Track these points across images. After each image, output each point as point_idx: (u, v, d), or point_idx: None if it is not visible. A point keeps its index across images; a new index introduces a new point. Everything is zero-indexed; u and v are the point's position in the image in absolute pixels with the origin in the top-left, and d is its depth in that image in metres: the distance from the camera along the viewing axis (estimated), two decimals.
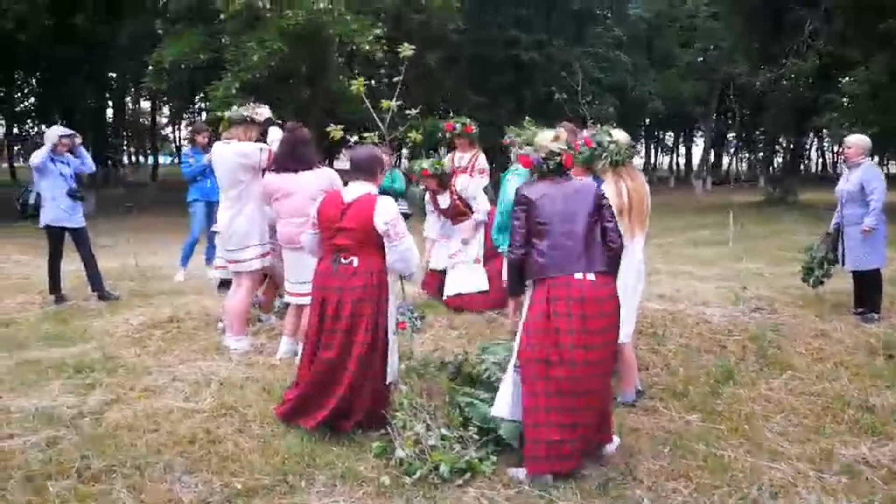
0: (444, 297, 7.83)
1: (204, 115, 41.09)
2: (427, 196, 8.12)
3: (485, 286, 7.68)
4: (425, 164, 7.79)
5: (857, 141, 7.90)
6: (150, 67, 21.70)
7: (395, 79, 5.56)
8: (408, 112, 5.68)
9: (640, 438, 4.88)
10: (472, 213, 7.76)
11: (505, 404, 4.51)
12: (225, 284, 8.36)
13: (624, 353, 5.43)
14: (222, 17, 18.64)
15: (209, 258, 9.46)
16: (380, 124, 5.64)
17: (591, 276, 4.32)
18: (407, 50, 5.55)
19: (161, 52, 21.18)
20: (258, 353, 6.19)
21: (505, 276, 5.64)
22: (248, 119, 6.26)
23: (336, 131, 5.56)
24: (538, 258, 4.41)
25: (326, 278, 4.73)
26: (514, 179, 6.23)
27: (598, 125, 5.68)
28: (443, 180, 7.81)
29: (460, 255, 7.86)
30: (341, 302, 4.65)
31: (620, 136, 5.36)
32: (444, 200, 7.90)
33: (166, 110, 49.11)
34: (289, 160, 5.74)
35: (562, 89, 22.12)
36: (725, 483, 4.34)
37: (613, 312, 4.39)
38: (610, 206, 4.62)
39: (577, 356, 4.20)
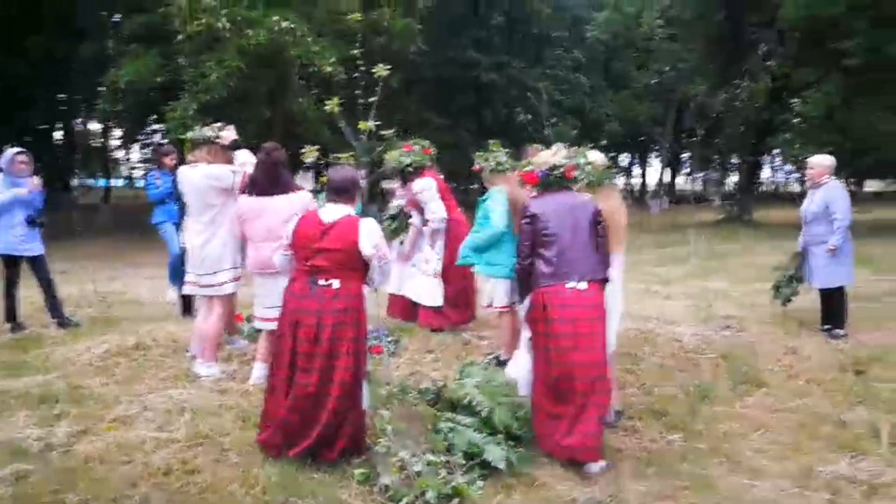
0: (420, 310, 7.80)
1: (158, 137, 40.80)
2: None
3: (439, 302, 7.66)
4: (398, 154, 7.58)
5: (821, 161, 8.04)
6: (105, 88, 21.37)
7: (371, 99, 5.50)
8: (383, 134, 5.64)
9: (625, 459, 4.85)
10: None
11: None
12: (188, 309, 8.23)
13: None
14: (181, 37, 18.40)
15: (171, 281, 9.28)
16: (355, 146, 5.59)
17: (583, 285, 4.78)
18: (382, 70, 5.51)
19: (116, 72, 20.85)
20: (230, 379, 6.04)
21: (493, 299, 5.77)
22: (212, 140, 6.13)
23: (311, 152, 5.49)
24: (544, 268, 4.84)
25: (301, 300, 4.61)
26: (499, 199, 6.30)
27: (568, 146, 5.69)
28: (404, 175, 7.66)
29: (420, 264, 7.78)
30: (320, 325, 4.55)
31: (596, 157, 5.40)
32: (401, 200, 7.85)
33: (118, 132, 48.32)
34: (267, 183, 5.62)
35: (526, 111, 22.28)
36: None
37: (601, 318, 4.86)
38: (604, 222, 5.00)
39: (572, 357, 4.67)
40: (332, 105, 5.62)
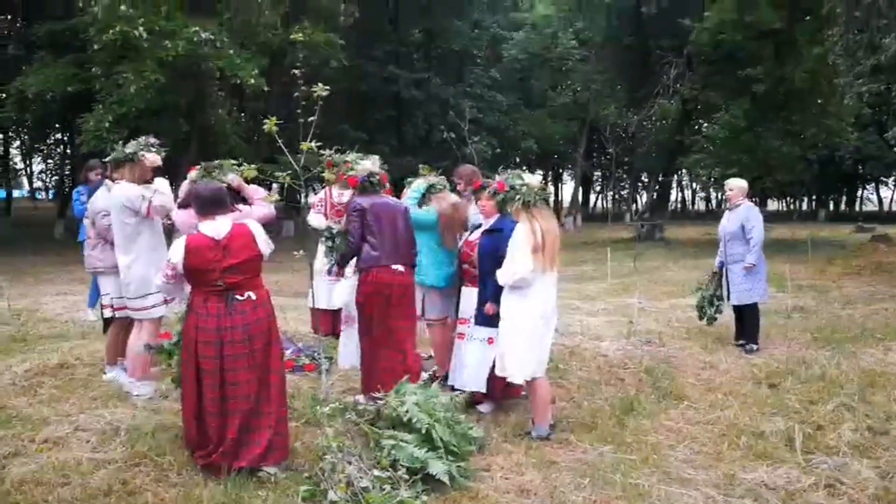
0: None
1: (62, 149, 39.52)
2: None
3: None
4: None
5: (738, 184, 8.49)
6: (9, 97, 20.69)
7: (310, 119, 5.52)
8: (322, 152, 5.70)
9: (561, 471, 5.00)
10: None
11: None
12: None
13: (538, 388, 5.62)
14: (96, 46, 17.92)
15: (92, 301, 9.09)
16: (294, 164, 5.61)
17: (401, 268, 5.99)
18: (321, 90, 5.55)
19: (24, 80, 20.18)
20: (163, 398, 5.96)
21: None
22: (133, 158, 6.03)
23: (249, 171, 5.49)
24: (372, 252, 5.92)
25: (222, 319, 4.62)
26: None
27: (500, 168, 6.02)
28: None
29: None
30: (250, 338, 4.62)
31: (531, 179, 5.66)
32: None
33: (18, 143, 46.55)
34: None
35: (448, 128, 22.47)
36: None
37: (412, 293, 6.24)
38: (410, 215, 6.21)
39: (391, 324, 5.96)
40: (270, 124, 5.61)
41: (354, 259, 6.09)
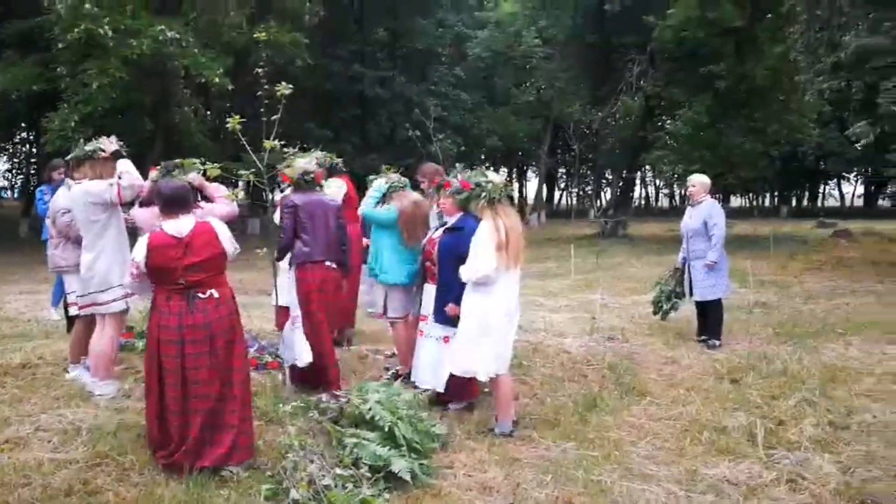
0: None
1: (27, 148, 38.97)
2: None
3: None
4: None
5: (700, 180, 8.55)
6: None
7: (273, 117, 5.50)
8: (286, 150, 5.68)
9: (524, 468, 5.02)
10: None
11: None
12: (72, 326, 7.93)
13: (501, 385, 5.64)
14: (60, 45, 17.66)
15: (55, 300, 8.97)
16: (257, 162, 5.58)
17: (332, 265, 6.25)
18: (284, 89, 5.53)
19: None
20: (126, 397, 5.88)
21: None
22: (93, 155, 5.97)
23: (212, 169, 5.45)
24: (304, 248, 6.12)
25: (184, 317, 4.59)
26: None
27: (456, 165, 6.06)
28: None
29: None
30: (213, 336, 4.61)
31: (495, 177, 5.69)
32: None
33: None
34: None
35: (413, 126, 22.45)
36: None
37: (341, 287, 6.57)
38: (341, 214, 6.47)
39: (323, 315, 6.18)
40: (234, 122, 5.58)
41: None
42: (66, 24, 17.25)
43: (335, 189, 7.39)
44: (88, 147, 5.95)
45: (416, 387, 6.05)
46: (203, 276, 4.63)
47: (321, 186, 6.46)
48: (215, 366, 4.60)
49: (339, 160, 7.75)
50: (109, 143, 5.99)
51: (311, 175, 6.25)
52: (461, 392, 6.11)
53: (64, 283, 7.09)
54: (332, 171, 7.61)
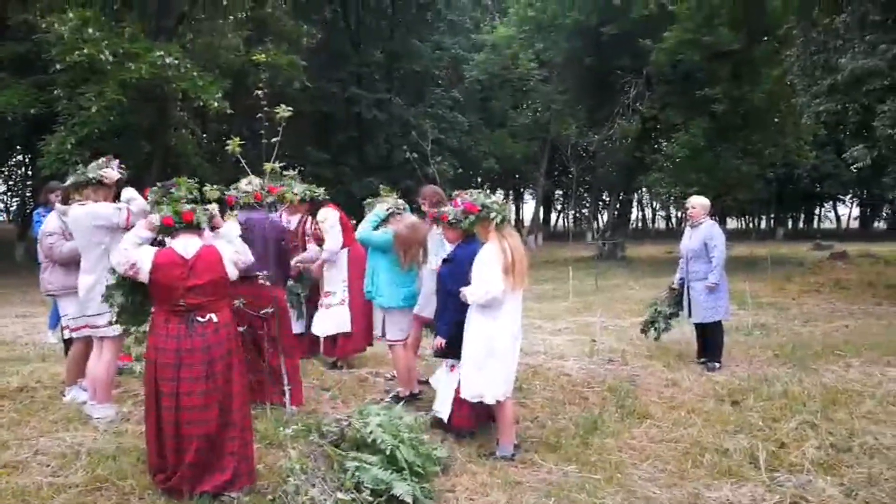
0: (322, 340, 7.85)
1: (23, 171, 38.97)
2: None
3: (347, 328, 7.65)
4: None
5: (700, 202, 8.54)
6: None
7: (273, 140, 5.51)
8: (285, 173, 5.68)
9: (526, 492, 4.99)
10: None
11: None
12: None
13: (504, 409, 5.61)
14: (59, 67, 17.70)
15: (52, 323, 8.93)
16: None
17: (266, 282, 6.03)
18: (284, 111, 5.54)
19: None
20: (125, 420, 5.85)
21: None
22: (95, 181, 5.97)
23: (213, 191, 5.43)
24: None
25: (183, 341, 4.56)
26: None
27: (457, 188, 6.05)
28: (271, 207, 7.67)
29: (326, 298, 7.77)
30: (211, 361, 4.56)
31: (497, 199, 5.66)
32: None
33: None
34: None
35: (410, 148, 22.53)
36: None
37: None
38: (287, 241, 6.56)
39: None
40: (234, 145, 5.58)
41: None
42: (67, 48, 17.26)
43: (327, 226, 7.55)
44: (90, 173, 5.94)
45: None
46: (203, 300, 4.59)
47: (260, 205, 6.33)
48: (213, 390, 4.54)
49: (321, 190, 7.74)
50: (112, 171, 5.99)
51: (250, 195, 6.17)
52: (462, 421, 6.03)
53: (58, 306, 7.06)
54: (314, 204, 7.67)
